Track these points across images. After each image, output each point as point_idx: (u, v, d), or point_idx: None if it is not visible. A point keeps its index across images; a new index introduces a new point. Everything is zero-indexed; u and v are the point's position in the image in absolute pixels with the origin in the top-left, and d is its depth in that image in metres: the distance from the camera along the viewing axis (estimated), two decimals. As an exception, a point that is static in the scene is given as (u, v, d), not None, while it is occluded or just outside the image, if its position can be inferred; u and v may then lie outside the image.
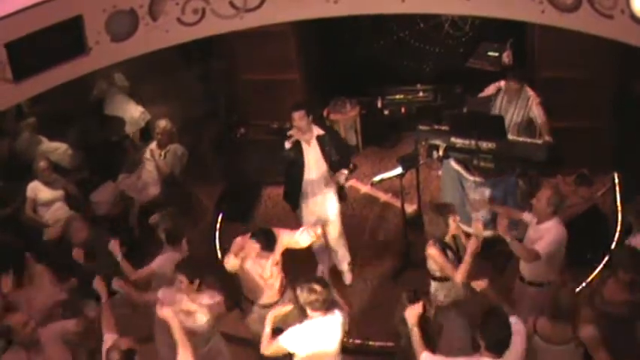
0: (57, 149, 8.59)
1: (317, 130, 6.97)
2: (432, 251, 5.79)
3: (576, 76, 7.87)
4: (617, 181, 8.05)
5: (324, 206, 7.15)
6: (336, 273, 7.53)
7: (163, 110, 8.92)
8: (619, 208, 7.75)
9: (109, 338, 5.20)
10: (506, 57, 8.40)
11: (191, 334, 5.46)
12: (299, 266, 6.58)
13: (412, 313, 5.03)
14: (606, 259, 7.12)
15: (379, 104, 9.32)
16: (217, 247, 8.07)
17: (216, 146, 9.34)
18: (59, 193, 7.65)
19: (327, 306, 5.26)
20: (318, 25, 7.74)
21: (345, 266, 7.55)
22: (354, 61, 9.48)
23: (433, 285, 5.99)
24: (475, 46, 8.86)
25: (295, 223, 6.88)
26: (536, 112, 7.34)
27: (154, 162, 7.93)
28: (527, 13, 5.94)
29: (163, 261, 6.16)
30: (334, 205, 7.21)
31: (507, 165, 7.18)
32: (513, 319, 5.04)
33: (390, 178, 7.59)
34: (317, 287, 5.20)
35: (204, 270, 5.82)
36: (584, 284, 6.96)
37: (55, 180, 7.66)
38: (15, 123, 8.72)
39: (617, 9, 5.48)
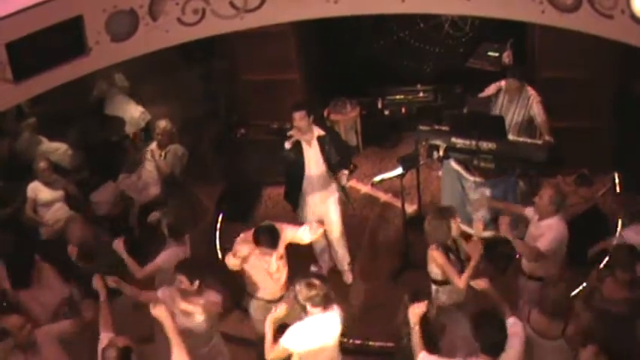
0: (57, 149, 8.58)
1: (317, 131, 6.97)
2: (436, 255, 5.76)
3: (576, 76, 7.87)
4: (617, 181, 8.05)
5: (324, 206, 7.16)
6: (336, 273, 7.54)
7: (163, 110, 8.92)
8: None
9: (105, 337, 5.21)
10: (507, 57, 8.39)
11: (190, 333, 5.47)
12: (298, 265, 6.57)
13: (414, 312, 5.05)
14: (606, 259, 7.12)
15: (379, 104, 9.32)
16: (217, 247, 8.08)
17: (216, 146, 9.34)
18: (59, 193, 7.65)
19: (326, 301, 5.29)
20: (318, 25, 7.74)
21: (345, 266, 7.55)
22: (354, 61, 9.48)
23: (434, 288, 5.98)
24: (475, 46, 8.86)
25: (295, 224, 6.87)
26: (537, 111, 7.34)
27: (154, 162, 7.93)
28: (528, 13, 5.93)
29: (168, 256, 6.17)
30: (334, 205, 7.21)
31: (507, 165, 7.18)
32: (512, 320, 5.05)
33: (390, 179, 7.60)
34: (316, 282, 5.24)
35: (205, 270, 5.82)
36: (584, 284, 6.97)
37: (55, 180, 7.66)
38: (15, 123, 8.71)
39: (617, 9, 5.47)
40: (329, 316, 5.32)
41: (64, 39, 6.02)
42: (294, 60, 8.81)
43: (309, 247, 7.02)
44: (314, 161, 6.98)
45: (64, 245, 6.60)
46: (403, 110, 9.28)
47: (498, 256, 7.03)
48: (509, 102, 7.50)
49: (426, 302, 5.10)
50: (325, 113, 9.14)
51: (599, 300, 5.59)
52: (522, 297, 6.08)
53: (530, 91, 7.45)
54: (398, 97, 9.33)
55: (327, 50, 9.55)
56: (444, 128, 7.45)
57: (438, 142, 7.36)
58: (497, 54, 8.59)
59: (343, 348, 5.80)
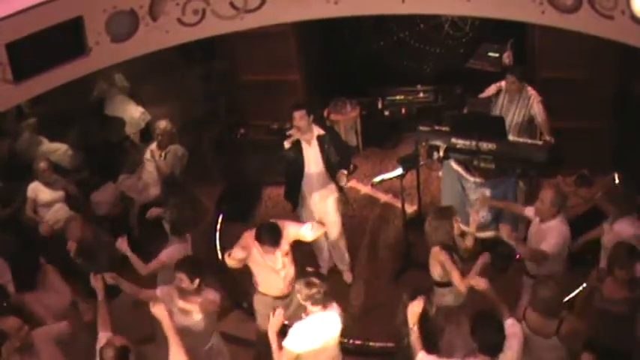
0: (57, 150, 8.59)
1: (317, 130, 6.98)
2: (442, 257, 5.74)
3: (576, 76, 7.87)
4: (617, 181, 8.04)
5: (323, 205, 7.16)
6: (336, 273, 7.54)
7: (163, 111, 8.92)
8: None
9: (102, 337, 5.21)
10: (507, 57, 8.39)
11: (188, 332, 5.47)
12: (298, 265, 6.58)
13: (413, 311, 5.05)
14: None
15: (379, 105, 9.32)
16: (217, 247, 8.08)
17: (216, 146, 9.35)
18: (59, 193, 7.65)
19: (326, 300, 5.30)
20: (319, 25, 7.75)
21: (345, 266, 7.56)
22: (354, 61, 9.49)
23: (435, 289, 5.97)
24: (475, 47, 8.86)
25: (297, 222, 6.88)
26: (537, 110, 7.35)
27: (155, 163, 7.93)
28: (528, 13, 5.94)
29: (171, 253, 6.17)
30: (334, 205, 7.22)
31: (508, 166, 7.17)
32: (510, 321, 5.05)
33: (390, 179, 7.61)
34: (315, 280, 5.26)
35: (205, 270, 5.82)
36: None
37: (55, 181, 7.66)
38: (15, 123, 8.72)
39: (617, 10, 5.48)
40: (329, 314, 5.35)
41: (64, 39, 6.03)
42: (294, 60, 8.81)
43: (309, 246, 7.03)
44: (313, 160, 6.98)
45: (64, 245, 6.61)
46: (403, 111, 9.27)
47: (498, 256, 7.02)
48: (510, 102, 7.51)
49: (423, 299, 5.09)
50: (325, 113, 9.14)
51: (599, 300, 5.58)
52: (525, 297, 6.04)
53: (531, 91, 7.45)
54: (398, 97, 9.33)
55: (327, 50, 9.55)
56: (444, 129, 7.45)
57: (438, 142, 7.35)
58: (497, 54, 8.59)
59: (343, 348, 5.80)
